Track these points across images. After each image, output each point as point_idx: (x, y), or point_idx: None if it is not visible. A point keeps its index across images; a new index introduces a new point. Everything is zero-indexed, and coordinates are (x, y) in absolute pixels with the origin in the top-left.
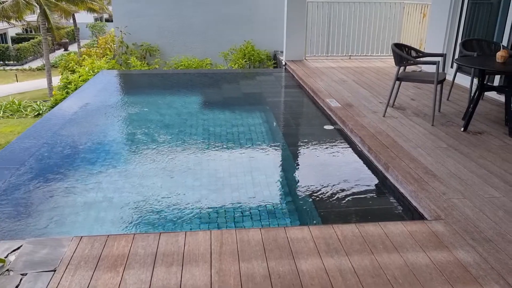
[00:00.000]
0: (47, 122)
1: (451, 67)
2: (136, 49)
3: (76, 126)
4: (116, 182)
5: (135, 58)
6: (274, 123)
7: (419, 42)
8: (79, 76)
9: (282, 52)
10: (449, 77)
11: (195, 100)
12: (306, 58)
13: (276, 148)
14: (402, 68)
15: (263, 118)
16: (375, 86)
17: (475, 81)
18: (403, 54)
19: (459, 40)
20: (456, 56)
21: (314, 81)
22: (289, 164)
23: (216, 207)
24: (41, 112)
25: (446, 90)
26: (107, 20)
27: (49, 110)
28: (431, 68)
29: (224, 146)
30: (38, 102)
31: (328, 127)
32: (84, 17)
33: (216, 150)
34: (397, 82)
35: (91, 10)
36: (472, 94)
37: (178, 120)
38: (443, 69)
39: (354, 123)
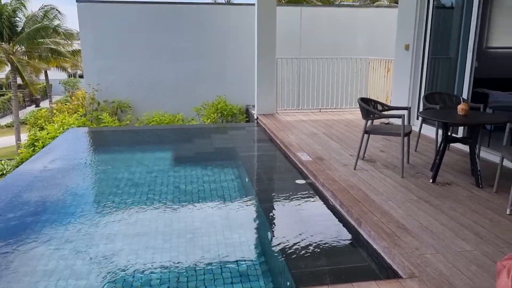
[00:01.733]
0: (7, 183)
1: (417, 118)
2: (108, 105)
3: (38, 188)
4: (77, 247)
5: (107, 114)
6: (247, 179)
7: (385, 95)
8: (48, 133)
9: (254, 106)
10: (415, 128)
11: (166, 156)
12: (278, 112)
13: (248, 205)
14: (370, 121)
15: (236, 174)
16: (345, 138)
17: (440, 132)
18: (370, 108)
19: (423, 93)
20: (421, 108)
21: (285, 135)
22: (262, 222)
23: (185, 270)
24: (5, 171)
25: (413, 141)
26: (80, 76)
27: (13, 170)
28: (399, 121)
29: (195, 204)
30: (2, 161)
31: (300, 181)
32: (57, 74)
33: (187, 208)
34: (366, 135)
35: (63, 68)
36: (438, 145)
37: (148, 178)
38: (409, 122)
39: (325, 177)
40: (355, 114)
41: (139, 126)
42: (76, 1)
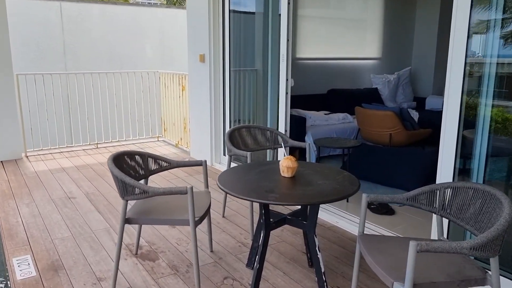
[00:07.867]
0: None
1: (224, 157)
2: None
3: None
4: None
5: None
6: None
7: (183, 122)
8: None
9: None
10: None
11: None
12: (28, 154)
13: None
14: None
15: None
16: (118, 199)
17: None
18: (129, 180)
19: (227, 114)
20: (222, 145)
21: (15, 206)
22: None
23: None
24: None
25: (218, 207)
26: None
27: None
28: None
29: None
30: None
31: None
32: None
33: None
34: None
35: None
36: (254, 232)
37: None
38: (207, 186)
39: None
40: (143, 147)
41: None
42: None
